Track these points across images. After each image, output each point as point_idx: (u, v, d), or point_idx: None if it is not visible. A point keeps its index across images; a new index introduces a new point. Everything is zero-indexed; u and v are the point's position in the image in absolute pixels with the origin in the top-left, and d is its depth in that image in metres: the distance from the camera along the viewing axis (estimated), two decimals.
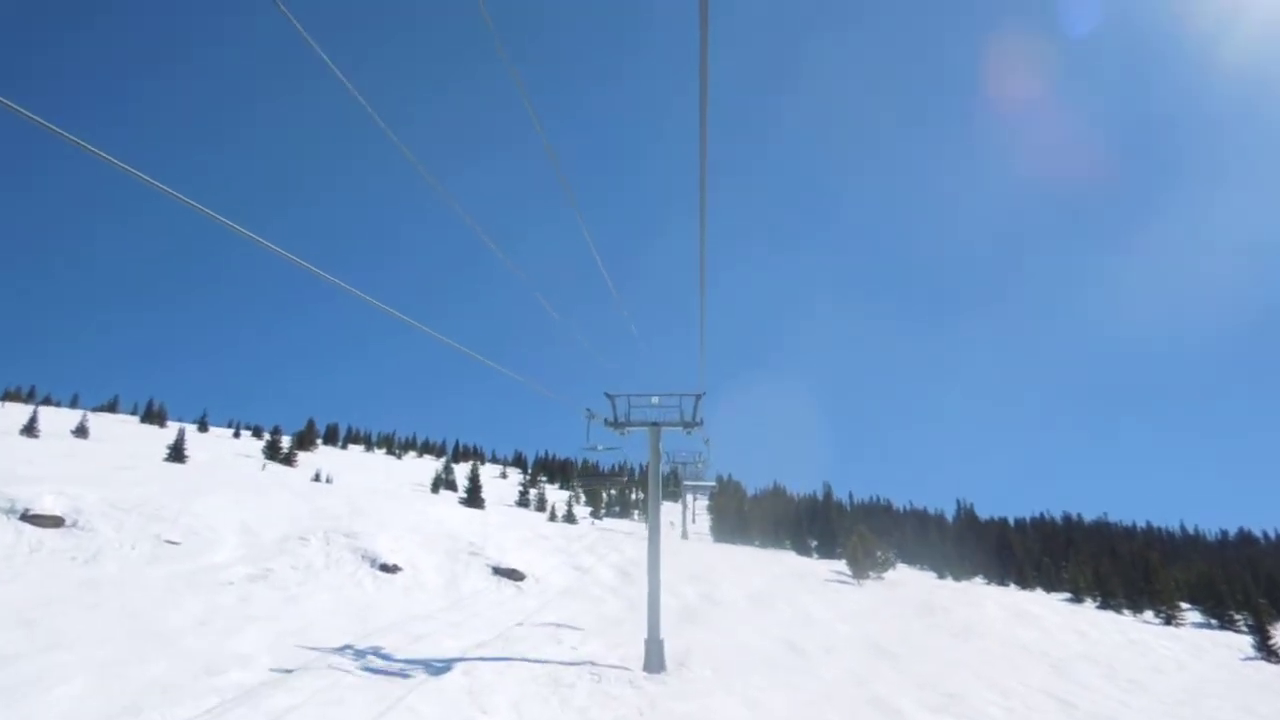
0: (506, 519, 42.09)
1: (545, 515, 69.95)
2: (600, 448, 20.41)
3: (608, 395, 19.70)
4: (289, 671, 13.21)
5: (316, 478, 56.61)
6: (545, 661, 16.79)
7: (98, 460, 36.12)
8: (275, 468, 70.65)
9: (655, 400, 19.61)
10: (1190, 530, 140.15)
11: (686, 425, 19.49)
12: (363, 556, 23.87)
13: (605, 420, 19.55)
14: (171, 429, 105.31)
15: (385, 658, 15.15)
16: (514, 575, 26.42)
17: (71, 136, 4.67)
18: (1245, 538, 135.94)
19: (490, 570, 26.19)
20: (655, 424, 19.51)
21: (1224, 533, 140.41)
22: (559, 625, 21.57)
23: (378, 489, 45.36)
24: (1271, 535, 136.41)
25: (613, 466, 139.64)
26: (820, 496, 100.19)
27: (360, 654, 15.13)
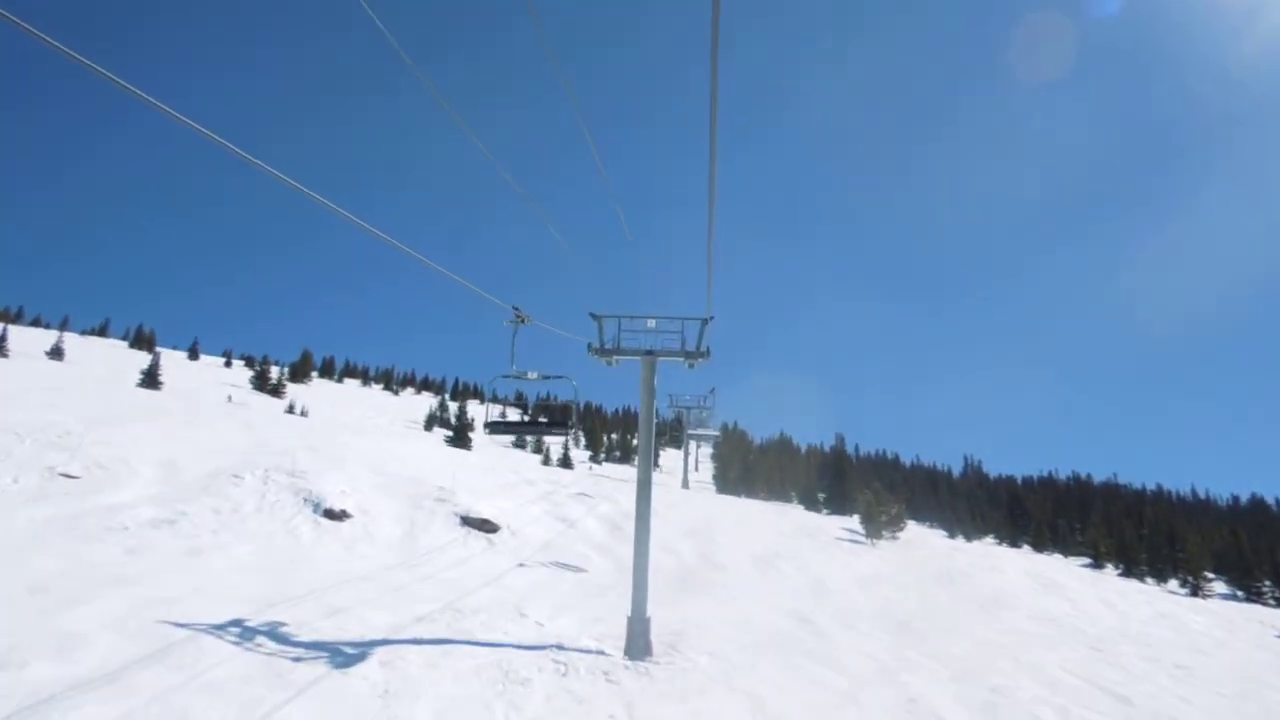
0: (492, 461, 38.61)
1: (539, 458, 66.90)
2: (532, 375, 15.43)
3: (593, 315, 15.82)
4: (131, 662, 9.65)
5: (291, 409, 53.28)
6: (499, 645, 13.25)
7: (32, 380, 32.60)
8: (252, 397, 67.55)
9: (651, 324, 15.73)
10: (1201, 494, 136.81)
11: (690, 356, 15.63)
12: (305, 500, 20.36)
13: (590, 346, 15.72)
14: (159, 355, 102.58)
15: (282, 639, 11.58)
16: (486, 526, 22.94)
17: (76, 55, 4.41)
18: (1258, 504, 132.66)
19: (458, 520, 22.69)
20: (650, 353, 15.65)
21: (1235, 498, 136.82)
22: (531, 586, 18.10)
23: (353, 424, 41.93)
24: None
25: (618, 411, 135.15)
26: (831, 449, 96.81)
27: (249, 633, 11.56)
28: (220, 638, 11.08)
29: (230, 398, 54.41)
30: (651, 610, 16.72)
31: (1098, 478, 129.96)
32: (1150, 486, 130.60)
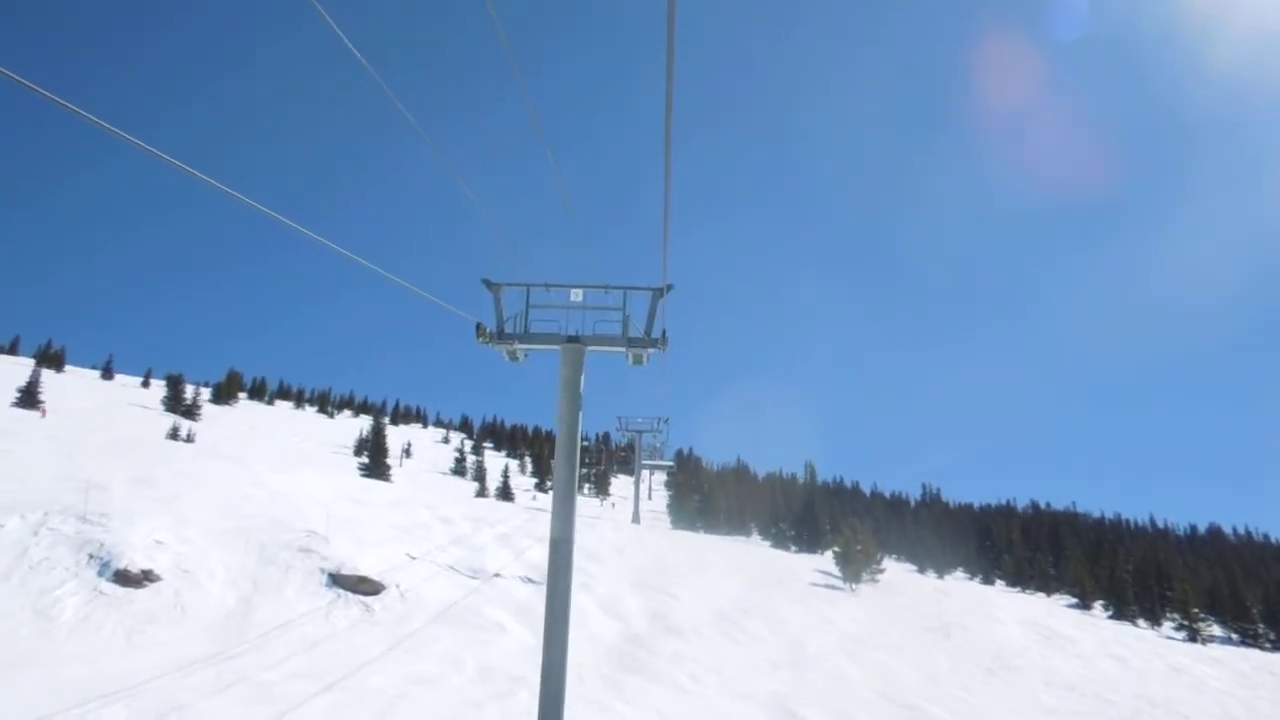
0: (404, 494, 32.58)
1: (477, 487, 60.78)
2: None
3: (486, 283, 10.39)
4: None
5: (174, 434, 46.30)
6: None
7: None
8: (163, 419, 60.57)
9: (577, 295, 10.31)
10: (1159, 524, 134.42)
11: (636, 345, 10.22)
12: (91, 556, 14.38)
13: (479, 328, 10.21)
14: (70, 373, 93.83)
15: None
16: (365, 586, 17.11)
17: None
18: (1215, 533, 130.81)
19: (325, 579, 16.83)
20: (575, 339, 10.21)
21: (1193, 527, 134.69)
22: (404, 684, 12.40)
23: (232, 451, 35.48)
24: (1241, 531, 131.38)
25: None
26: (793, 478, 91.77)
27: None
28: None
29: (43, 414, 46.88)
30: (580, 714, 11.25)
31: (1056, 505, 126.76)
32: (1108, 515, 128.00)
